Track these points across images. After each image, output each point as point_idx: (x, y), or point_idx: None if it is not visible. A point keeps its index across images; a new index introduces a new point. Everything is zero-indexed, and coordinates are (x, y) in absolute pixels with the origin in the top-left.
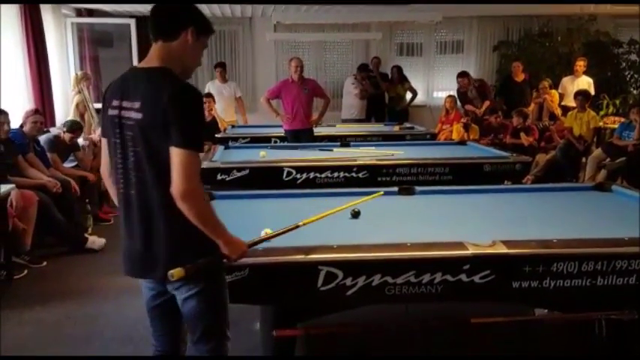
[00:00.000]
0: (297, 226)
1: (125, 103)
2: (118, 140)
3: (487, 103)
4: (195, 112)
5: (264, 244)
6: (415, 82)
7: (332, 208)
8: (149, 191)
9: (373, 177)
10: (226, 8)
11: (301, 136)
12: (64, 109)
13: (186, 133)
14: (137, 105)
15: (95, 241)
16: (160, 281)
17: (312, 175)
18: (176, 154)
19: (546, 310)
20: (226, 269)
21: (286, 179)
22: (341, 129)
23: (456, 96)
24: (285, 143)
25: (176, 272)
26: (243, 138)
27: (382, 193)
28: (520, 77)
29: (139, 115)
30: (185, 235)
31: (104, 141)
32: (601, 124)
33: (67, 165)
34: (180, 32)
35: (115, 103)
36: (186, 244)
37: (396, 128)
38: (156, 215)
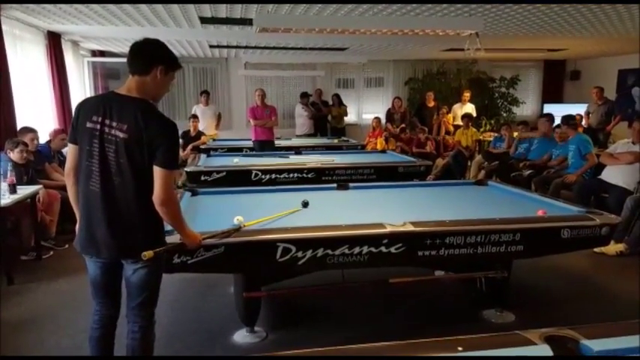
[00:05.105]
0: (239, 229)
1: (108, 121)
2: (96, 149)
3: (403, 125)
4: (175, 142)
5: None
6: (349, 107)
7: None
8: (129, 192)
9: (319, 177)
10: (208, 51)
11: (266, 146)
12: None
13: (168, 158)
14: (124, 127)
15: None
16: (117, 259)
17: (273, 175)
18: (159, 172)
19: (443, 272)
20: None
21: (254, 179)
22: (295, 141)
23: (386, 114)
24: (253, 152)
25: (147, 254)
26: (222, 148)
27: (300, 209)
28: (431, 104)
29: (125, 135)
30: (152, 227)
31: (73, 146)
32: (481, 137)
33: None
34: (152, 69)
35: (95, 118)
36: (153, 233)
37: (336, 141)
38: (133, 210)
